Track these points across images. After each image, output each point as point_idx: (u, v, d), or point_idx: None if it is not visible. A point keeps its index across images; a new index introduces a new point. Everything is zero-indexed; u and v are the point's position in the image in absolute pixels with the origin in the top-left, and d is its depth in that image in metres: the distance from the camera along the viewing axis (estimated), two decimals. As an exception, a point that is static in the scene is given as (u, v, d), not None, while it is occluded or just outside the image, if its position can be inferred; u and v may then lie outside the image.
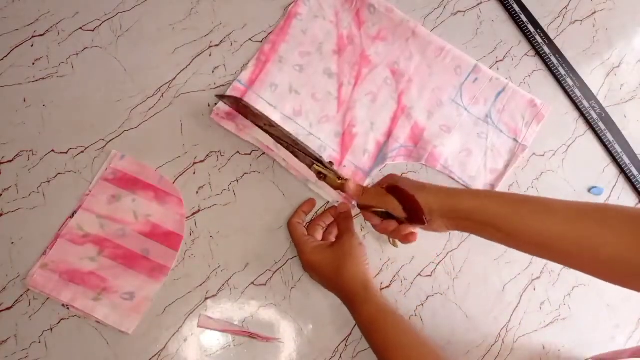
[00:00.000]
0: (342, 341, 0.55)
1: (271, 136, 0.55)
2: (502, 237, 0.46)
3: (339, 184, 0.51)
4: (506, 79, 0.67)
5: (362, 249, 0.51)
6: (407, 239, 0.50)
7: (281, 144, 0.55)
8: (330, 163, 0.53)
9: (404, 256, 0.58)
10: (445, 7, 0.69)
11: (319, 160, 0.52)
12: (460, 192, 0.48)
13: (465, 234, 0.60)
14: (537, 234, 0.43)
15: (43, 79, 0.56)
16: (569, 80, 0.69)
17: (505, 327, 0.58)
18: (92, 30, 0.58)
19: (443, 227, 0.49)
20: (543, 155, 0.64)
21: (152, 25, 0.60)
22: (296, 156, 0.54)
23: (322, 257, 0.51)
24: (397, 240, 0.53)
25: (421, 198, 0.47)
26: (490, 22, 0.70)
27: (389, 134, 0.60)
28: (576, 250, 0.42)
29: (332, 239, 0.55)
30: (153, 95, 0.57)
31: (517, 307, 0.59)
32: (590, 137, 0.68)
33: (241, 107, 0.54)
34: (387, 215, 0.51)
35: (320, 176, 0.52)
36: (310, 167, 0.53)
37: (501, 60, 0.68)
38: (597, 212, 0.42)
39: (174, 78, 0.58)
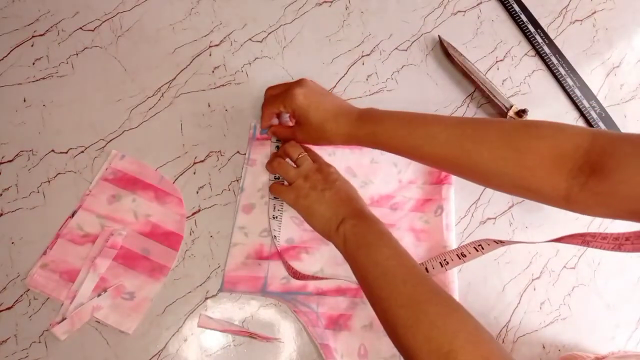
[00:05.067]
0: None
1: (473, 82, 0.64)
2: (395, 153, 0.50)
3: None
4: (505, 79, 0.67)
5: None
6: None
7: (481, 89, 0.64)
8: (523, 111, 0.62)
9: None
10: (445, 7, 0.69)
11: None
12: (361, 121, 0.50)
13: (464, 235, 0.60)
14: (429, 157, 0.48)
15: (43, 78, 0.56)
16: (569, 80, 0.69)
17: (505, 327, 0.58)
18: (92, 30, 0.58)
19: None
20: (543, 155, 0.64)
21: (152, 25, 0.60)
22: (493, 101, 0.64)
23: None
24: None
25: (326, 132, 0.51)
26: (491, 22, 0.70)
27: None
28: (457, 165, 0.47)
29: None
30: (153, 95, 0.57)
31: (517, 307, 0.59)
32: (590, 137, 0.68)
33: (452, 51, 0.65)
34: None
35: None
36: (507, 111, 0.63)
37: (501, 60, 0.68)
38: (477, 131, 0.46)
39: (174, 78, 0.58)
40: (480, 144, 0.45)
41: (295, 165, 0.54)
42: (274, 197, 0.56)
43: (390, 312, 0.42)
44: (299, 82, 0.52)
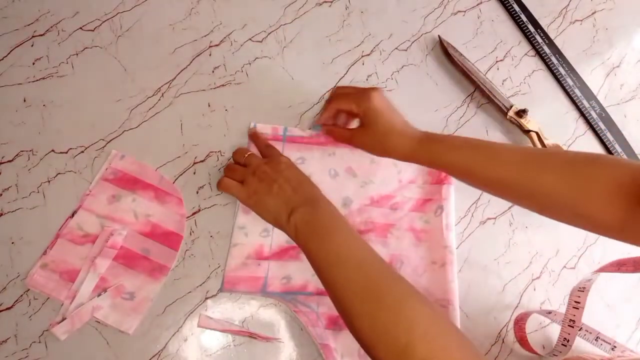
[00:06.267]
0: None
1: (473, 82, 0.64)
2: (460, 178, 0.51)
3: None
4: (505, 79, 0.67)
5: None
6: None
7: (481, 89, 0.64)
8: (523, 111, 0.62)
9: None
10: (445, 7, 0.69)
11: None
12: (426, 142, 0.51)
13: (464, 235, 0.60)
14: (489, 179, 0.48)
15: (43, 78, 0.56)
16: (569, 80, 0.69)
17: (505, 327, 0.58)
18: (92, 30, 0.58)
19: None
20: (543, 155, 0.64)
21: (152, 25, 0.60)
22: (493, 101, 0.64)
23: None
24: None
25: (390, 143, 0.51)
26: (491, 22, 0.70)
27: None
28: (516, 189, 0.47)
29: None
30: (153, 95, 0.57)
31: (517, 307, 0.59)
32: (590, 136, 0.69)
33: (452, 51, 0.65)
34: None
35: (513, 121, 0.63)
36: (507, 111, 0.63)
37: (501, 60, 0.68)
38: (539, 157, 0.46)
39: (174, 78, 0.58)
40: (544, 168, 0.45)
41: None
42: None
43: (345, 303, 0.41)
44: (376, 88, 0.53)
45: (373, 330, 0.38)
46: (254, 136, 0.57)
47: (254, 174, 0.51)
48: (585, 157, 0.46)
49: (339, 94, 0.55)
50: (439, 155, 0.50)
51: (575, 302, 0.51)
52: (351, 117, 0.57)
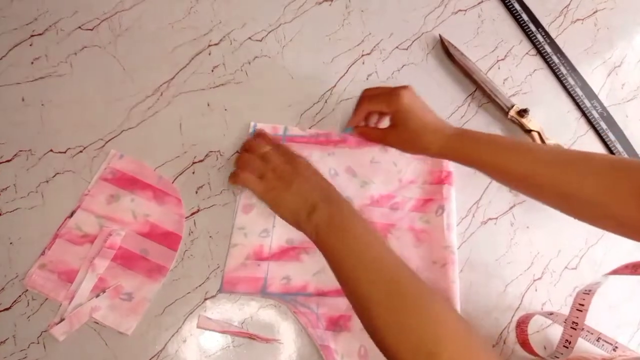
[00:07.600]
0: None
1: (474, 81, 0.64)
2: (492, 176, 0.52)
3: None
4: (506, 78, 0.67)
5: None
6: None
7: (482, 88, 0.64)
8: (524, 111, 0.62)
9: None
10: (446, 6, 0.69)
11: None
12: (459, 137, 0.51)
13: (465, 236, 0.60)
14: (521, 177, 0.48)
15: (42, 78, 0.55)
16: (570, 80, 0.69)
17: (506, 328, 0.58)
18: (91, 30, 0.58)
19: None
20: (544, 155, 0.64)
21: (151, 25, 0.59)
22: (494, 100, 0.64)
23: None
24: None
25: (423, 141, 0.52)
26: (492, 21, 0.70)
27: None
28: (550, 190, 0.47)
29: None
30: (152, 94, 0.57)
31: (518, 307, 0.59)
32: (591, 136, 0.68)
33: (453, 51, 0.65)
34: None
35: (514, 120, 0.63)
36: (508, 110, 0.63)
37: (502, 60, 0.68)
38: (580, 160, 0.46)
39: (173, 77, 0.58)
40: (580, 170, 0.45)
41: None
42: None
43: (368, 306, 0.41)
44: (406, 87, 0.52)
45: (398, 333, 0.38)
46: (263, 136, 0.56)
47: (274, 171, 0.51)
48: (612, 159, 0.46)
49: (368, 95, 0.55)
50: (471, 152, 0.50)
51: (580, 304, 0.51)
52: (382, 117, 0.58)
